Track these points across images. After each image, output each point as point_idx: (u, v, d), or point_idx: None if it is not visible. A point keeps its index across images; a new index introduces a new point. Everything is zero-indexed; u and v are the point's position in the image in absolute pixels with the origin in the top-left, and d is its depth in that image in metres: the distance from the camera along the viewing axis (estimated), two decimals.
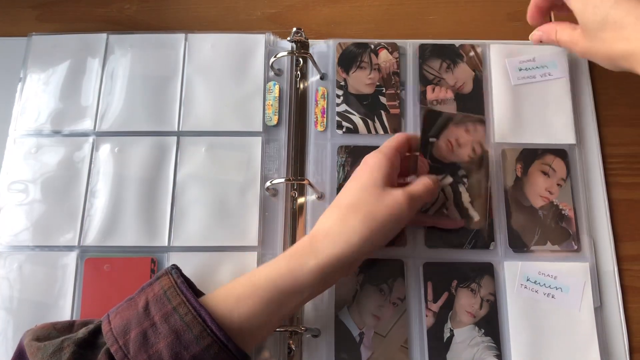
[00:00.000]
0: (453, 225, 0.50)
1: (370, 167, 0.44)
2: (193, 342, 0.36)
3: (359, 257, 0.42)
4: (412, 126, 0.53)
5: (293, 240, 0.49)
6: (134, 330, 0.37)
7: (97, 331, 0.38)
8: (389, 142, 0.46)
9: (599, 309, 0.47)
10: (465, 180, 0.50)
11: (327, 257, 0.40)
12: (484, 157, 0.51)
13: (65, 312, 0.47)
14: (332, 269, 0.41)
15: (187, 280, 0.41)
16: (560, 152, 0.52)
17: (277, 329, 0.45)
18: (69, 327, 0.40)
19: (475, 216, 0.49)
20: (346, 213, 0.42)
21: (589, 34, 0.45)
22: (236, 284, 0.41)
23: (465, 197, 0.50)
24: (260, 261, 0.49)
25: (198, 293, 0.43)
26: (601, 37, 0.43)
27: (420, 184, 0.45)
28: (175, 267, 0.41)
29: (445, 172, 0.50)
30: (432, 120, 0.50)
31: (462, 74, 0.55)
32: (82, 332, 0.38)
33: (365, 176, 0.44)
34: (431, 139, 0.50)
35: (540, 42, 0.50)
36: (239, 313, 0.39)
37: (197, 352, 0.36)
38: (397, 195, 0.43)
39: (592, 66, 0.55)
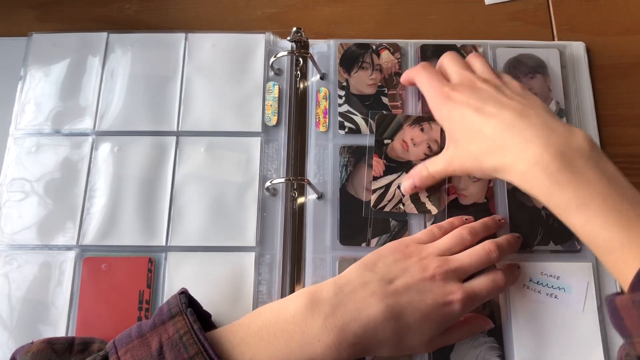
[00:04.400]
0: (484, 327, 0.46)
1: None
2: None
3: None
4: None
5: (293, 240, 0.49)
6: None
7: None
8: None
9: (601, 309, 0.46)
10: None
11: None
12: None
13: (62, 311, 0.46)
14: None
15: (195, 308, 0.40)
16: None
17: None
18: (68, 347, 0.39)
19: (433, 209, 0.49)
20: None
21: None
22: (257, 330, 0.38)
23: (423, 193, 0.50)
24: (258, 261, 0.48)
25: (210, 325, 0.42)
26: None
27: (489, 280, 0.43)
28: (186, 300, 0.39)
29: (401, 171, 0.50)
30: (384, 123, 0.52)
31: None
32: None
33: None
34: (386, 141, 0.51)
35: (415, 187, 0.48)
36: None
37: None
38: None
39: (592, 66, 0.55)
